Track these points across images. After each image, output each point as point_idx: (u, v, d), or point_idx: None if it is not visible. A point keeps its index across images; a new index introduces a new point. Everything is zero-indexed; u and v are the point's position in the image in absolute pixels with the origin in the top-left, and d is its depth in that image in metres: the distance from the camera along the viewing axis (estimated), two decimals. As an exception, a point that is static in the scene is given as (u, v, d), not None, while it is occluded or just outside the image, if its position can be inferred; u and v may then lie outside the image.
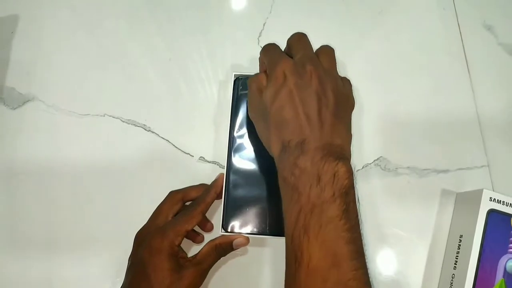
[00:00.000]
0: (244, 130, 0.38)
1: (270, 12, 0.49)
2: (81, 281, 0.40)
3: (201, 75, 0.47)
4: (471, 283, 0.37)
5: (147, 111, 0.45)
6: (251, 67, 0.40)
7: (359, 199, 0.43)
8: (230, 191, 0.36)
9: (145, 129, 0.44)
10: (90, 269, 0.40)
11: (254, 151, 0.37)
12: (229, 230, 0.35)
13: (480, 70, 0.49)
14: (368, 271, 0.28)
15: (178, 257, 0.34)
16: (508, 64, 0.49)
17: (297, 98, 0.29)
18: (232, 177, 0.37)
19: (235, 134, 0.38)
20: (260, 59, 0.35)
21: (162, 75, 0.46)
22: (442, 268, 0.42)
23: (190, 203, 0.37)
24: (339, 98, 0.30)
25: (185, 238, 0.35)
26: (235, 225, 0.35)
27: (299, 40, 0.33)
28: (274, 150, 0.30)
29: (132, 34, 0.47)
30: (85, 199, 0.42)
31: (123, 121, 0.45)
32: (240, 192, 0.36)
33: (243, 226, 0.36)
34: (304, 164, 0.28)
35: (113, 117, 0.45)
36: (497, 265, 0.38)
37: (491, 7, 0.51)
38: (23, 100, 0.45)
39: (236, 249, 0.35)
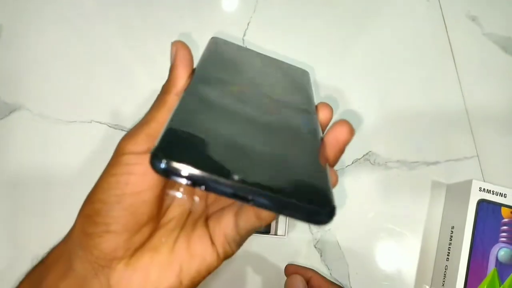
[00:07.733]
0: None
1: (254, 12, 0.49)
2: None
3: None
4: (464, 274, 0.37)
5: (134, 116, 0.45)
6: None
7: (349, 194, 0.43)
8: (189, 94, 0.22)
9: (133, 134, 0.44)
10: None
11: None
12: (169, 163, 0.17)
13: (466, 61, 0.49)
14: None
15: None
16: (493, 54, 0.49)
17: None
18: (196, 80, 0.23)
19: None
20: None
21: (148, 79, 0.46)
22: (435, 260, 0.42)
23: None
24: None
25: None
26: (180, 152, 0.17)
27: None
28: None
29: (118, 37, 0.47)
30: (77, 206, 0.42)
31: (110, 126, 0.44)
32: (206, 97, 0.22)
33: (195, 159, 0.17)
34: None
35: (100, 122, 0.44)
36: (489, 254, 0.38)
37: (474, -2, 0.51)
38: (9, 110, 0.44)
39: None
